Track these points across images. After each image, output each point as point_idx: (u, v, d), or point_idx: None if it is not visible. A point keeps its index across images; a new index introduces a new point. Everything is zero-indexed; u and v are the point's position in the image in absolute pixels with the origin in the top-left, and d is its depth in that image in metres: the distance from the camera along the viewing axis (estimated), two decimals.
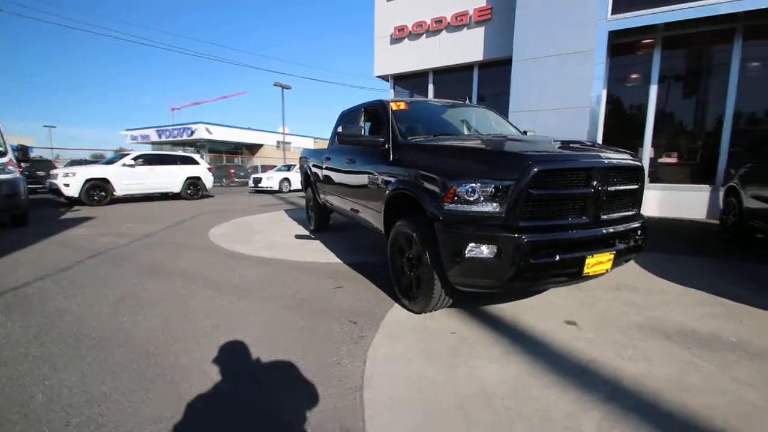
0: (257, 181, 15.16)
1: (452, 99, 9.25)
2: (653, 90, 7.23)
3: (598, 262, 2.27)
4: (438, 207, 2.32)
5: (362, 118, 4.04)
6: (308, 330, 2.46)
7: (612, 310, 2.77)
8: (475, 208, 2.19)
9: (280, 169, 16.19)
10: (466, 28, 8.65)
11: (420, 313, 2.69)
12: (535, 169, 2.09)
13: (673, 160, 7.42)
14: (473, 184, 2.17)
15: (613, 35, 6.91)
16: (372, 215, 3.47)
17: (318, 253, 4.54)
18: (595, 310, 2.77)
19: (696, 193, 7.03)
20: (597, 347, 2.21)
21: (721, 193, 5.44)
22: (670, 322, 2.56)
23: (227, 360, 2.10)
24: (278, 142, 36.62)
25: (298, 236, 5.52)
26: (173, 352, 2.18)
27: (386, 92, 10.37)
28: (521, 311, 2.74)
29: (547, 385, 1.85)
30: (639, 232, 2.53)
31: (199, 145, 30.40)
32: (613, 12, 6.75)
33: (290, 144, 37.26)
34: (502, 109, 6.78)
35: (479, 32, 8.51)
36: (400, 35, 9.57)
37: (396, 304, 2.87)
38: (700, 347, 2.20)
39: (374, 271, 3.71)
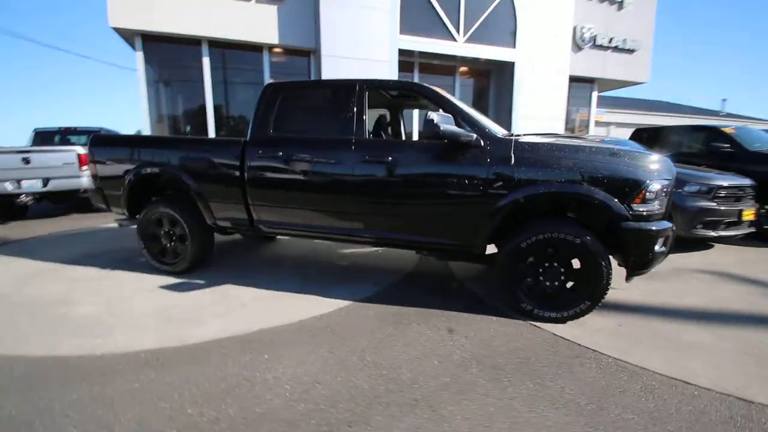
0: None
1: (240, 81, 7.97)
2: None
3: None
4: (627, 208, 2.41)
5: (356, 101, 2.95)
6: (580, 390, 1.90)
7: None
8: (651, 207, 2.47)
9: None
10: (254, 1, 7.37)
11: (565, 322, 2.63)
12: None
13: None
14: (657, 186, 2.44)
15: (401, 52, 8.17)
16: (446, 228, 2.80)
17: (282, 300, 2.98)
18: None
19: None
20: (662, 296, 3.10)
21: None
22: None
23: None
24: None
25: (170, 287, 3.20)
26: None
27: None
28: None
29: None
30: None
31: None
32: (401, 32, 7.99)
33: None
34: None
35: (271, 11, 7.50)
36: None
37: (537, 324, 2.60)
38: (678, 281, 3.55)
39: (435, 299, 3.01)
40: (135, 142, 3.70)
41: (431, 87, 2.92)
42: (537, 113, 9.43)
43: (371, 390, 1.86)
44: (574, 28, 9.80)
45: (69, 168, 6.15)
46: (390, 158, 2.82)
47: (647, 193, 2.42)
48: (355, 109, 2.94)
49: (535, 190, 2.52)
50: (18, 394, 1.81)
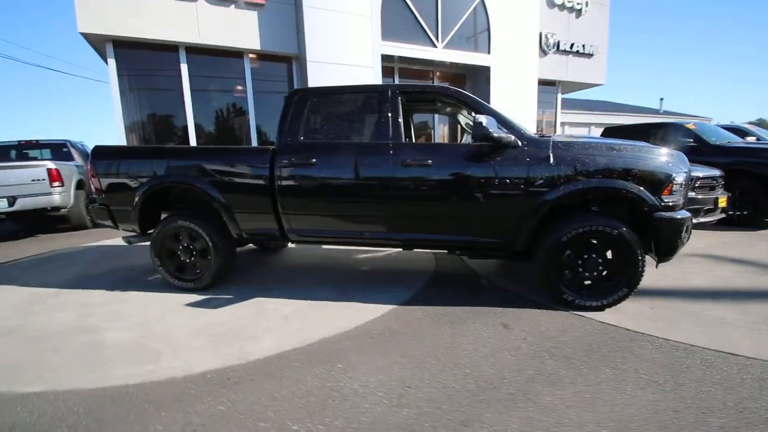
0: None
1: (220, 89, 7.88)
2: None
3: None
4: (659, 199, 2.62)
5: (390, 105, 2.99)
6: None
7: None
8: (677, 197, 2.70)
9: None
10: (234, 6, 7.14)
11: (603, 309, 2.80)
12: None
13: None
14: (681, 178, 2.67)
15: (382, 57, 8.25)
16: (488, 227, 2.88)
17: (324, 309, 2.93)
18: None
19: None
20: (671, 279, 3.38)
21: None
22: None
23: None
24: None
25: (199, 304, 3.04)
26: None
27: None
28: None
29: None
30: None
31: None
32: (383, 39, 8.07)
33: None
34: None
35: (252, 16, 7.31)
36: None
37: (580, 313, 2.74)
38: (677, 264, 3.86)
39: (473, 297, 3.10)
40: (148, 153, 3.46)
41: (467, 93, 3.01)
42: (511, 114, 9.86)
43: (465, 389, 1.89)
44: (540, 35, 10.39)
45: (38, 185, 5.63)
46: (430, 161, 2.87)
47: (674, 185, 2.64)
48: (389, 113, 2.97)
49: (574, 187, 2.67)
50: (98, 431, 1.66)
